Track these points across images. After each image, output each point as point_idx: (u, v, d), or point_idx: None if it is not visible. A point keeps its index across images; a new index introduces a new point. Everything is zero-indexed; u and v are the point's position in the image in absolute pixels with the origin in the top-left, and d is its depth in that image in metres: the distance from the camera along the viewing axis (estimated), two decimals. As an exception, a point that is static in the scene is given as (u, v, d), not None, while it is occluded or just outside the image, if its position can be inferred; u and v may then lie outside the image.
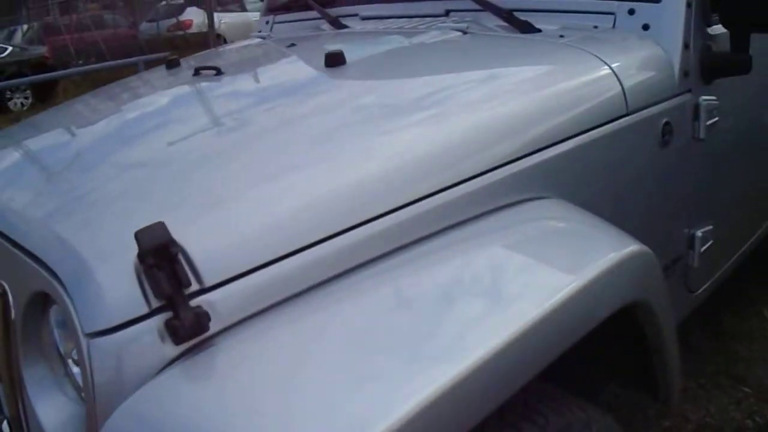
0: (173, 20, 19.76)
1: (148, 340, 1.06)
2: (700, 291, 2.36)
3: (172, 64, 2.50)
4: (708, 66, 2.15)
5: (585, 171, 1.75)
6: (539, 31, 2.17)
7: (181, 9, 20.29)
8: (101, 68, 11.93)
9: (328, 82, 1.89)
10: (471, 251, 1.38)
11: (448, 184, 1.44)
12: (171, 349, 1.07)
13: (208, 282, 1.12)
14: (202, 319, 1.07)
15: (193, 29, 18.53)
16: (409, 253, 1.33)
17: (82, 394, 1.18)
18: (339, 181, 1.34)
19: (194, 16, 18.98)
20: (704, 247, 2.25)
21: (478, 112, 1.61)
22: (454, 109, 1.61)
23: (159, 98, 2.16)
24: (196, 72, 2.18)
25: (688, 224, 2.21)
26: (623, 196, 1.90)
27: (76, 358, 1.19)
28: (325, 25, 2.70)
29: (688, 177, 2.15)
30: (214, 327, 1.10)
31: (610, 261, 1.43)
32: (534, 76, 1.84)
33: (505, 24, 2.23)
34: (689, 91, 2.10)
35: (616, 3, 2.16)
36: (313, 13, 2.76)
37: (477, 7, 2.33)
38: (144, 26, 20.31)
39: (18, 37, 21.10)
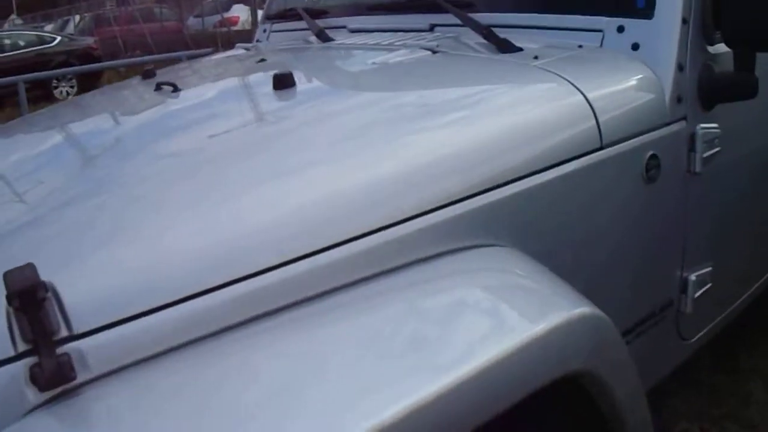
0: (219, 16, 19.80)
1: (15, 383, 1.00)
2: (694, 339, 2.14)
3: (147, 75, 2.37)
4: (708, 90, 1.93)
5: (546, 213, 1.56)
6: (519, 50, 1.97)
7: (227, 5, 20.32)
8: (142, 62, 11.97)
9: (268, 108, 1.75)
10: (390, 304, 1.23)
11: (378, 226, 1.28)
12: (35, 396, 1.00)
13: (80, 328, 1.04)
14: (65, 369, 0.99)
15: (239, 26, 18.52)
16: (318, 305, 1.19)
17: None
18: (242, 224, 1.20)
19: (241, 13, 18.99)
20: (700, 291, 2.03)
21: (419, 144, 1.45)
22: (394, 142, 1.45)
23: (104, 118, 2.03)
24: (158, 87, 2.05)
25: (681, 266, 1.99)
26: (597, 239, 1.70)
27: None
28: (313, 37, 2.56)
29: (681, 214, 1.94)
30: (85, 375, 1.02)
31: (549, 324, 1.24)
32: (492, 104, 1.65)
33: (485, 41, 2.04)
34: (684, 118, 1.88)
35: (605, 19, 1.96)
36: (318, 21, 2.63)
37: (459, 22, 2.15)
38: (191, 21, 20.42)
39: (71, 28, 21.44)
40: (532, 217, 1.52)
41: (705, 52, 1.94)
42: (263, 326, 1.14)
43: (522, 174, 1.50)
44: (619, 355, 1.37)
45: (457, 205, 1.39)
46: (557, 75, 1.71)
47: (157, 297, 1.09)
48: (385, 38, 2.30)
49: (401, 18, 2.41)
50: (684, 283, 2.00)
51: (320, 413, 1.00)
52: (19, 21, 30.27)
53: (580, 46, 1.94)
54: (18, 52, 15.40)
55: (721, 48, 1.95)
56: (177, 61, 9.51)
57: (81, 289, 1.06)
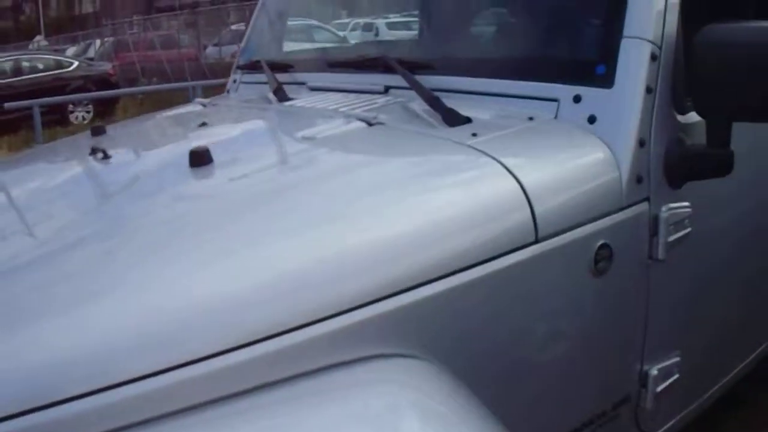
0: (236, 46, 19.82)
1: None
2: (658, 435, 1.94)
3: (96, 132, 2.26)
4: (676, 167, 1.74)
5: (469, 317, 1.39)
6: (467, 121, 1.79)
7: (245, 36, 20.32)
8: (154, 90, 11.97)
9: (172, 191, 1.62)
10: (270, 418, 1.11)
11: (264, 335, 1.14)
12: None
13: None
14: None
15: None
16: (182, 420, 1.07)
17: None
18: (116, 326, 1.10)
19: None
20: (664, 384, 1.84)
21: (319, 241, 1.29)
22: (290, 239, 1.30)
23: (22, 188, 1.89)
24: (92, 152, 1.91)
25: (640, 360, 1.80)
26: (533, 340, 1.53)
27: None
28: (271, 95, 2.42)
29: (640, 305, 1.75)
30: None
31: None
32: (410, 192, 1.47)
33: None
34: (645, 199, 1.70)
35: (561, 88, 1.78)
36: (281, 75, 2.54)
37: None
38: (210, 50, 20.43)
39: (92, 51, 21.59)
40: (451, 322, 1.35)
41: (675, 123, 1.76)
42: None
43: (439, 274, 1.33)
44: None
45: (362, 310, 1.23)
46: (491, 157, 1.53)
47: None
48: (339, 100, 2.16)
49: (359, 77, 2.26)
50: (644, 377, 1.81)
51: None
52: (44, 42, 30.60)
53: (531, 119, 1.76)
54: (36, 75, 15.44)
55: (695, 117, 1.77)
56: (185, 91, 9.45)
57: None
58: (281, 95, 2.35)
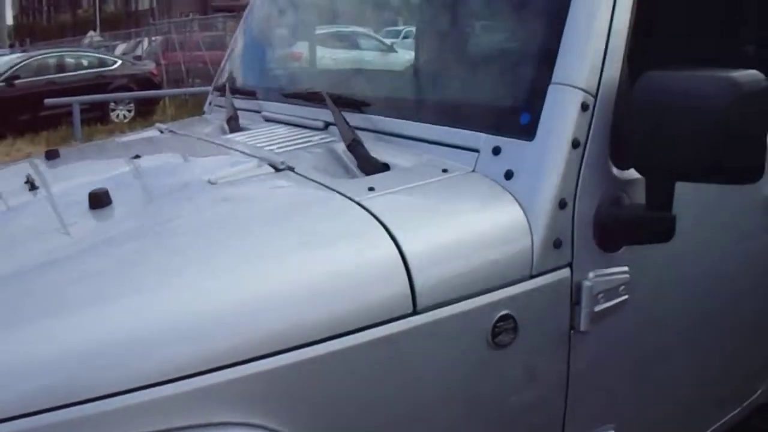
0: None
1: None
2: None
3: (51, 156, 2.30)
4: (609, 230, 1.58)
5: (336, 388, 1.29)
6: (384, 169, 1.67)
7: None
8: (190, 92, 11.95)
9: (70, 229, 1.61)
10: None
11: (83, 398, 1.10)
12: None
13: None
14: None
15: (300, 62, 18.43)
16: None
17: None
18: None
19: (304, 49, 18.90)
20: None
21: (171, 299, 1.24)
22: (149, 293, 1.26)
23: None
24: (27, 180, 1.93)
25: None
26: (415, 414, 1.39)
27: None
28: (225, 124, 2.40)
29: (556, 378, 1.59)
30: None
31: None
32: (278, 254, 1.36)
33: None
34: (567, 265, 1.53)
35: (482, 137, 1.62)
36: (242, 101, 2.55)
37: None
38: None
39: (140, 50, 21.79)
40: (311, 393, 1.26)
41: (610, 180, 1.59)
42: None
43: (297, 343, 1.24)
44: None
45: (205, 377, 1.17)
46: (375, 219, 1.40)
47: None
48: (278, 135, 2.11)
49: (307, 110, 2.17)
50: None
51: None
52: (97, 38, 31.02)
53: (445, 170, 1.61)
54: (79, 72, 15.56)
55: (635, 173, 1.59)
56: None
57: None
58: (233, 125, 2.33)
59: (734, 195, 1.71)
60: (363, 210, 1.43)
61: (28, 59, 15.52)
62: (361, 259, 1.34)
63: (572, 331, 1.57)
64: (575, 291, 1.55)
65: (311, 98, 2.14)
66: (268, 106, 2.42)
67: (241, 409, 1.18)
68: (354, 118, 1.92)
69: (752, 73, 1.41)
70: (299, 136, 2.05)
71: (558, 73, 1.56)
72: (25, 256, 1.44)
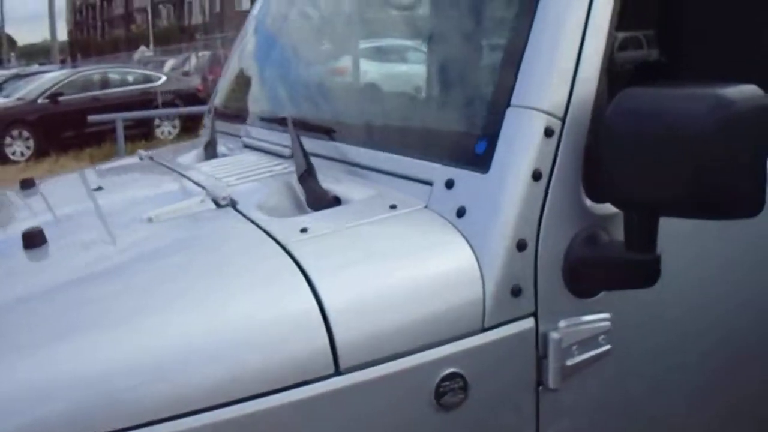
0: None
1: None
2: None
3: (25, 185, 2.26)
4: (583, 273, 1.38)
5: None
6: (335, 203, 1.53)
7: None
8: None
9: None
10: None
11: None
12: None
13: None
14: None
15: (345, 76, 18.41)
16: None
17: None
18: None
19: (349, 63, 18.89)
20: None
21: (67, 352, 1.15)
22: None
23: None
24: None
25: None
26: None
27: None
28: (202, 151, 2.35)
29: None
30: None
31: None
32: (181, 307, 1.23)
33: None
34: (531, 315, 1.34)
35: (437, 168, 1.44)
36: (228, 125, 2.49)
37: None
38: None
39: (187, 66, 21.98)
40: None
41: (583, 215, 1.39)
42: None
43: (203, 405, 1.10)
44: None
45: None
46: (298, 267, 1.25)
47: None
48: (245, 163, 2.02)
49: (277, 135, 2.05)
50: None
51: None
52: (148, 53, 31.41)
53: (394, 207, 1.43)
54: (125, 88, 15.66)
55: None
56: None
57: None
58: (209, 152, 2.28)
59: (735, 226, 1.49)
60: (287, 256, 1.27)
61: (72, 76, 15.70)
62: (276, 312, 1.19)
63: (540, 388, 1.37)
64: (541, 343, 1.35)
65: (282, 123, 1.99)
66: (249, 131, 2.31)
67: None
68: (320, 146, 1.78)
69: (748, 89, 1.21)
70: (264, 165, 1.93)
71: (517, 94, 1.37)
72: None
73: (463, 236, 1.33)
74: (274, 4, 2.66)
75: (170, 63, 24.20)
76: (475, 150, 1.39)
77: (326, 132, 1.81)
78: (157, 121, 15.46)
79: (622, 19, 1.42)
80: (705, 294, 1.58)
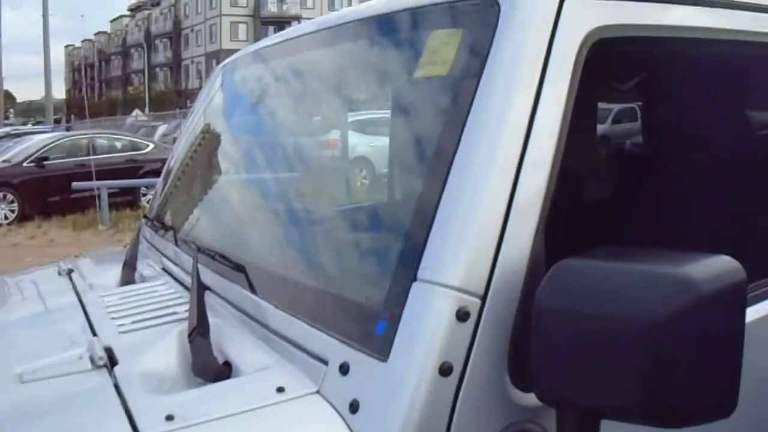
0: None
1: None
2: None
3: None
4: None
5: None
6: (224, 370, 1.34)
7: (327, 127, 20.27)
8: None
9: None
10: None
11: None
12: None
13: None
14: None
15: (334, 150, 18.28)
16: None
17: None
18: None
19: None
20: None
21: None
22: None
23: None
24: None
25: None
26: None
27: None
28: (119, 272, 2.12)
29: None
30: None
31: None
32: None
33: None
34: None
35: (334, 345, 1.22)
36: (159, 239, 2.31)
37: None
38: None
39: (179, 132, 21.88)
40: None
41: (509, 409, 1.14)
42: None
43: None
44: None
45: None
46: None
47: None
48: (154, 294, 1.82)
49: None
50: None
51: None
52: (142, 117, 31.40)
53: (281, 390, 1.20)
54: (112, 155, 15.46)
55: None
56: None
57: None
58: (125, 275, 2.05)
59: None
60: None
61: (60, 139, 15.53)
62: None
63: None
64: None
65: (199, 250, 1.78)
66: (170, 253, 2.08)
67: None
68: (225, 286, 1.60)
69: (717, 264, 0.99)
70: (169, 305, 1.71)
71: (425, 264, 1.15)
72: None
73: (353, 437, 1.10)
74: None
75: (162, 129, 24.12)
76: (375, 330, 1.17)
77: (236, 270, 1.60)
78: (143, 190, 15.23)
79: (569, 159, 1.22)
80: None
